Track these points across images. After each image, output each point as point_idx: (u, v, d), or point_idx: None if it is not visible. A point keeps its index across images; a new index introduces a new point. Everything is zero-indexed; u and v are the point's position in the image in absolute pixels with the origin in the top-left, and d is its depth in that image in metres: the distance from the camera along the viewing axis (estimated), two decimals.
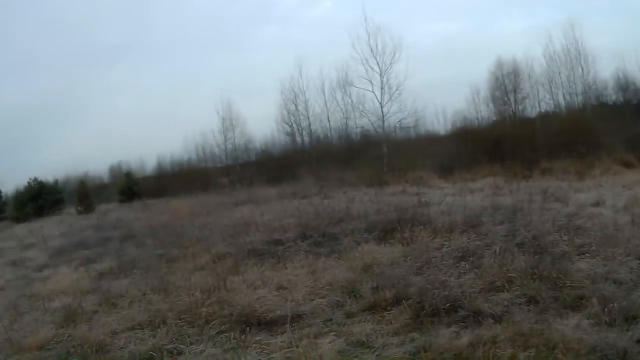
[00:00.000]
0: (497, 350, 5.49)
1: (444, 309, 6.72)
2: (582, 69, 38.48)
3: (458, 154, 29.93)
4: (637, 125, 29.71)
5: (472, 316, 6.54)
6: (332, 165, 32.16)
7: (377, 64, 34.66)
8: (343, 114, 40.38)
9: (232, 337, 6.79)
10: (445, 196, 17.54)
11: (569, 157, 26.75)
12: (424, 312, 6.72)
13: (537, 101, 39.70)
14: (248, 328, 7.04)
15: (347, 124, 40.50)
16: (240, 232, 14.31)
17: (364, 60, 35.01)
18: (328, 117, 41.31)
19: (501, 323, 6.23)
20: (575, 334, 5.66)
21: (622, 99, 40.00)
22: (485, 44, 61.69)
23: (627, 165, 26.27)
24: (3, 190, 49.60)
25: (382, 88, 34.44)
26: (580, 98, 39.09)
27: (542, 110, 39.56)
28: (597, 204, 14.74)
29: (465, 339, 5.80)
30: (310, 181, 28.27)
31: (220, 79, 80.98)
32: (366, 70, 35.04)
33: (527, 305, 6.82)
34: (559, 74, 39.07)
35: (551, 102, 39.85)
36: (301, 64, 41.28)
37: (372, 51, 34.76)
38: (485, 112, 40.78)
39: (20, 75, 73.61)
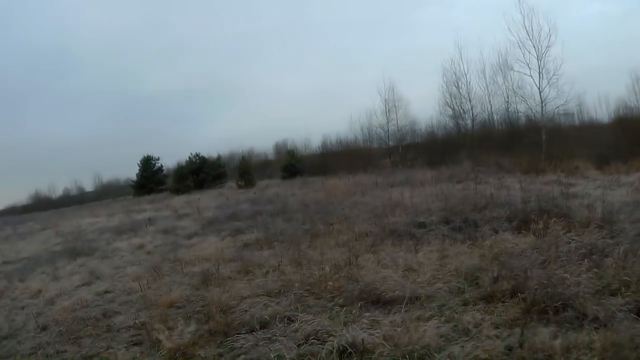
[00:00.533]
0: (590, 357, 5.39)
1: (555, 306, 6.55)
2: None
3: (616, 144, 28.72)
4: None
5: (578, 318, 6.35)
6: (492, 150, 31.83)
7: (534, 46, 33.74)
8: (504, 98, 39.57)
9: (348, 311, 7.21)
10: (597, 188, 17.10)
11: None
12: (535, 307, 6.59)
13: None
14: (366, 304, 7.42)
15: (508, 109, 39.69)
16: (387, 213, 14.69)
17: (520, 44, 34.21)
18: (489, 100, 40.80)
19: (601, 330, 5.95)
20: None
21: None
22: None
23: None
24: (164, 164, 52.48)
25: (539, 72, 33.52)
26: None
27: None
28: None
29: (559, 341, 5.67)
30: (468, 165, 28.19)
31: (382, 61, 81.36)
32: (523, 54, 34.20)
33: (638, 315, 6.33)
34: None
35: None
36: (461, 46, 41.05)
37: (527, 34, 33.88)
38: None
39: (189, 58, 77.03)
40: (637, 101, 37.18)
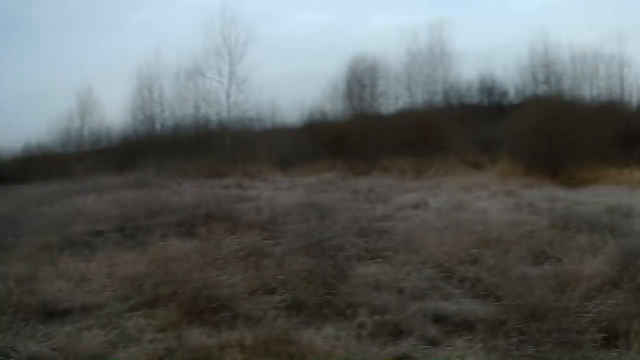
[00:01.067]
0: (242, 353, 5.56)
1: (212, 308, 6.65)
2: (445, 68, 39.20)
3: (302, 148, 29.81)
4: (496, 128, 29.97)
5: (234, 318, 6.51)
6: (179, 155, 31.62)
7: (229, 54, 34.28)
8: (194, 103, 39.55)
9: (31, 326, 6.73)
10: (277, 190, 17.46)
11: (413, 155, 26.81)
12: (194, 310, 6.69)
13: (395, 99, 40.07)
14: (45, 317, 7.06)
15: (197, 114, 39.75)
16: (69, 222, 13.82)
17: (216, 51, 34.77)
18: (180, 106, 40.45)
19: (254, 327, 6.16)
20: (326, 346, 5.67)
21: (485, 101, 40.87)
22: (356, 39, 61.83)
23: (477, 167, 26.65)
24: None
25: (230, 79, 34.11)
26: (440, 98, 39.71)
27: (399, 109, 39.68)
28: (418, 206, 14.86)
29: (214, 340, 5.86)
30: (153, 170, 27.71)
31: (84, 62, 78.11)
32: (217, 61, 34.66)
33: (294, 311, 6.74)
34: (420, 72, 39.45)
35: (409, 100, 39.98)
36: (160, 50, 40.22)
37: (224, 41, 34.40)
38: (340, 108, 39.99)
39: None
40: (332, 107, 39.30)
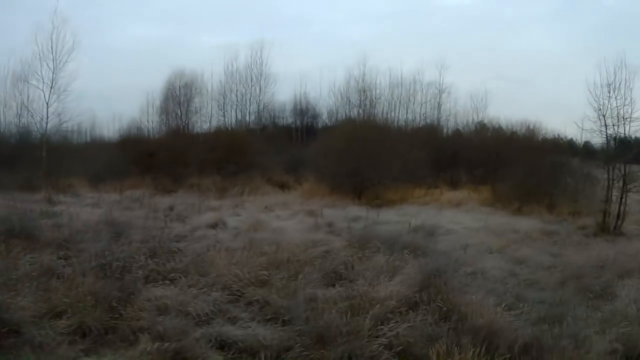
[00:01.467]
0: None
1: (4, 332, 6.20)
2: (260, 89, 40.06)
3: (115, 163, 29.11)
4: (306, 149, 30.86)
5: (26, 343, 6.06)
6: None
7: (53, 60, 32.85)
8: (17, 110, 37.52)
9: None
10: (85, 206, 17.06)
11: (219, 174, 27.16)
12: None
13: (210, 116, 40.20)
14: None
15: (19, 122, 37.73)
16: None
17: (42, 55, 32.89)
18: (3, 112, 38.15)
19: (42, 354, 5.87)
20: None
21: (298, 122, 41.95)
22: (184, 55, 61.81)
23: (284, 186, 27.20)
24: None
25: (51, 87, 32.73)
26: (253, 117, 40.63)
27: (213, 126, 39.88)
28: (215, 225, 14.79)
29: None
30: None
31: None
32: (41, 66, 33.03)
33: (78, 337, 6.45)
34: (236, 91, 40.25)
35: (223, 118, 40.65)
36: None
37: (50, 46, 32.92)
38: (156, 123, 39.90)
39: None
40: (148, 122, 39.08)
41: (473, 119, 40.10)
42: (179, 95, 38.70)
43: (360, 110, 38.76)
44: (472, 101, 40.00)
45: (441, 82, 39.92)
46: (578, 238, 16.10)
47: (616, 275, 10.68)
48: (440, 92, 39.96)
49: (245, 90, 40.24)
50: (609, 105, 19.40)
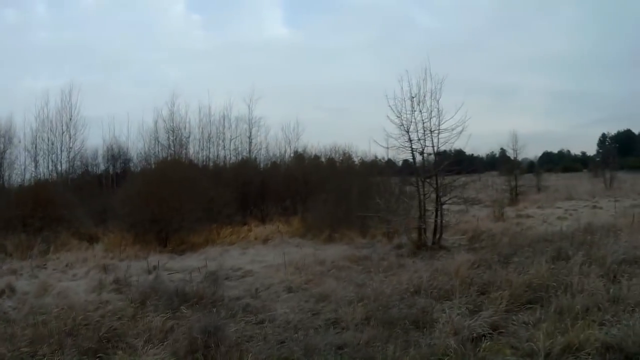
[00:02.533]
0: None
1: None
2: (70, 136, 38.08)
3: None
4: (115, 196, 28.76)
5: None
6: None
7: None
8: None
9: None
10: None
11: (24, 231, 24.80)
12: None
13: (23, 168, 37.63)
14: None
15: None
16: None
17: None
18: None
19: None
20: None
21: (111, 168, 39.96)
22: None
23: (92, 239, 24.98)
24: None
25: None
26: (65, 166, 38.27)
27: (28, 178, 36.97)
28: (2, 293, 13.26)
29: None
30: None
31: None
32: None
33: None
34: (47, 139, 37.82)
35: (34, 170, 37.82)
36: None
37: None
38: None
39: None
40: None
41: (286, 150, 39.98)
42: None
43: (171, 151, 37.65)
44: (284, 133, 40.00)
45: (250, 116, 39.67)
46: (393, 260, 15.58)
47: (434, 298, 10.36)
48: (250, 126, 39.62)
49: (56, 138, 37.87)
50: (414, 119, 18.95)
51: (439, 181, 18.99)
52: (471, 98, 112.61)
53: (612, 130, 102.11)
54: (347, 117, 63.46)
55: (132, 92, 59.98)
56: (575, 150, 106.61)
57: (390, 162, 24.22)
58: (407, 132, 19.17)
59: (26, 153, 37.49)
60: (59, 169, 37.95)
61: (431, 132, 19.02)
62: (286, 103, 69.72)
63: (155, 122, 38.58)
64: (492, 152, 60.79)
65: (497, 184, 45.43)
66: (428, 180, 19.10)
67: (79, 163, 39.01)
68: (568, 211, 30.74)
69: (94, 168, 40.04)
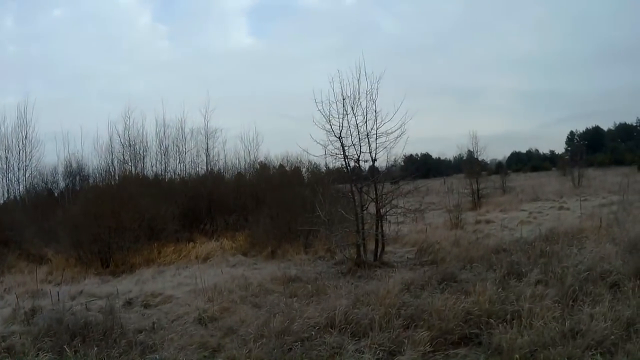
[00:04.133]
0: None
1: None
2: (26, 154, 37.20)
3: None
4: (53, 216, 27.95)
5: None
6: None
7: None
8: None
9: None
10: None
11: None
12: None
13: None
14: None
15: None
16: None
17: None
18: None
19: None
20: None
21: (71, 185, 38.75)
22: None
23: (42, 261, 24.05)
24: None
25: None
26: (24, 185, 37.43)
27: None
28: None
29: None
30: None
31: None
32: None
33: None
34: (4, 158, 36.75)
35: None
36: None
37: None
38: None
39: None
40: None
41: (246, 161, 38.81)
42: None
43: (128, 166, 37.00)
44: (243, 143, 39.01)
45: (206, 127, 38.48)
46: (326, 281, 14.13)
47: (350, 334, 9.22)
48: (207, 137, 38.46)
49: (12, 156, 36.91)
50: (347, 123, 17.33)
51: (378, 191, 17.50)
52: (437, 101, 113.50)
53: (581, 128, 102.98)
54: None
55: (98, 107, 59.07)
56: (544, 149, 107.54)
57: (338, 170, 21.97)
58: (339, 137, 17.46)
59: None
60: (17, 187, 37.18)
61: (367, 136, 17.38)
62: (251, 113, 69.47)
63: (110, 137, 37.53)
64: (460, 154, 60.25)
65: (461, 187, 43.60)
66: (365, 189, 17.73)
67: (38, 181, 38.08)
68: (532, 214, 29.48)
69: (54, 185, 39.19)
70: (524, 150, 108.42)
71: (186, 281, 16.15)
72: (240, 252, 21.99)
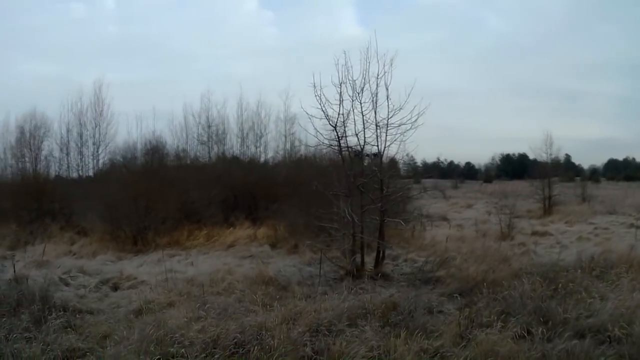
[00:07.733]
0: None
1: None
2: (101, 129, 38.23)
3: None
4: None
5: None
6: None
7: None
8: None
9: None
10: None
11: (16, 223, 25.10)
12: None
13: (58, 161, 37.94)
14: None
15: None
16: None
17: None
18: None
19: None
20: None
21: (149, 162, 39.58)
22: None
23: (85, 233, 24.76)
24: None
25: None
26: (102, 160, 38.53)
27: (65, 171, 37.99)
28: None
29: None
30: None
31: None
32: None
33: None
34: (81, 134, 38.00)
35: (66, 163, 38.25)
36: None
37: None
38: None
39: None
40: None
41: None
42: (29, 139, 36.42)
43: (209, 147, 37.78)
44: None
45: (286, 112, 38.06)
46: (310, 287, 12.94)
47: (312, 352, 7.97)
48: (286, 122, 38.09)
49: (88, 132, 38.22)
50: (352, 110, 15.13)
51: (383, 190, 15.38)
52: (538, 102, 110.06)
53: None
54: None
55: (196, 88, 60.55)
56: None
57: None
58: (334, 127, 15.36)
59: (61, 146, 37.91)
60: (92, 162, 38.51)
61: (377, 127, 15.24)
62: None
63: (193, 117, 38.37)
64: (556, 157, 57.49)
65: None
66: (363, 188, 15.29)
67: (118, 157, 38.65)
68: (597, 229, 26.01)
69: (132, 162, 40.09)
70: (620, 158, 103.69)
71: (179, 268, 15.91)
72: (269, 242, 21.63)
